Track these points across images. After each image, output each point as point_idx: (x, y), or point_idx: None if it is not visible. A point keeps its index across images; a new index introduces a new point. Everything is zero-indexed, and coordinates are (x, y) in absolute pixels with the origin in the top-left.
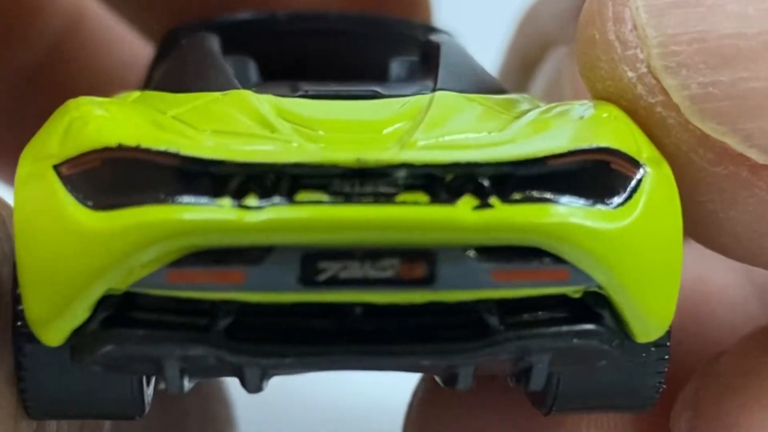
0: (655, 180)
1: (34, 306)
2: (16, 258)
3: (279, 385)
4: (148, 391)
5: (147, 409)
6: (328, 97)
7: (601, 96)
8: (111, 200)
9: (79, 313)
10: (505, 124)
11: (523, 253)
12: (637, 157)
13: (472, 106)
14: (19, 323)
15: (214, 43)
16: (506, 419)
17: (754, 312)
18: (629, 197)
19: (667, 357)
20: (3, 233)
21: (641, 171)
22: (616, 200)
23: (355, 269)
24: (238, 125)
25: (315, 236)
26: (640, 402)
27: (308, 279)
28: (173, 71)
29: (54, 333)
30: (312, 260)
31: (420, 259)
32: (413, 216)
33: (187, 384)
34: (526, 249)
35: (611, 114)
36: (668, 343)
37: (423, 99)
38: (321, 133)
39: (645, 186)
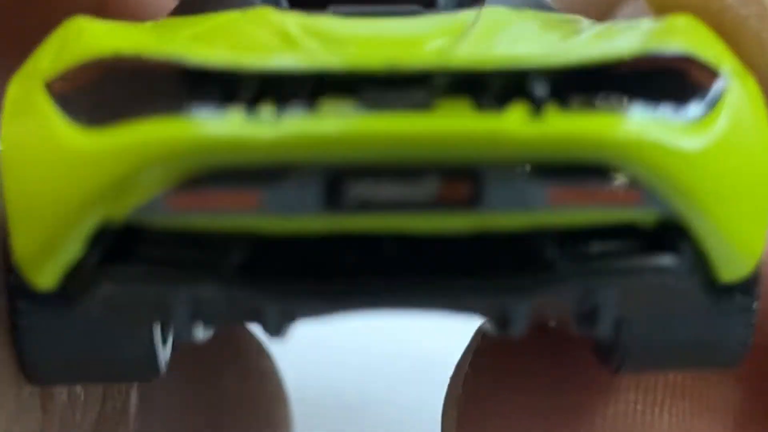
0: (740, 92)
1: (23, 241)
2: (4, 189)
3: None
4: (165, 349)
5: (163, 369)
6: (362, 15)
7: (676, 9)
8: (106, 116)
9: (73, 247)
10: (565, 35)
11: (585, 171)
12: (718, 66)
13: (527, 19)
14: (11, 276)
15: None
16: (552, 396)
17: None
18: (710, 109)
19: (755, 307)
20: None
21: (723, 81)
22: (695, 113)
23: (388, 190)
24: (257, 41)
25: (341, 152)
26: (723, 359)
27: (334, 201)
28: None
29: (46, 272)
30: (338, 179)
31: (463, 178)
32: (455, 127)
33: (201, 333)
34: (588, 168)
35: (688, 22)
36: (756, 290)
37: (469, 14)
38: (352, 49)
39: (728, 98)
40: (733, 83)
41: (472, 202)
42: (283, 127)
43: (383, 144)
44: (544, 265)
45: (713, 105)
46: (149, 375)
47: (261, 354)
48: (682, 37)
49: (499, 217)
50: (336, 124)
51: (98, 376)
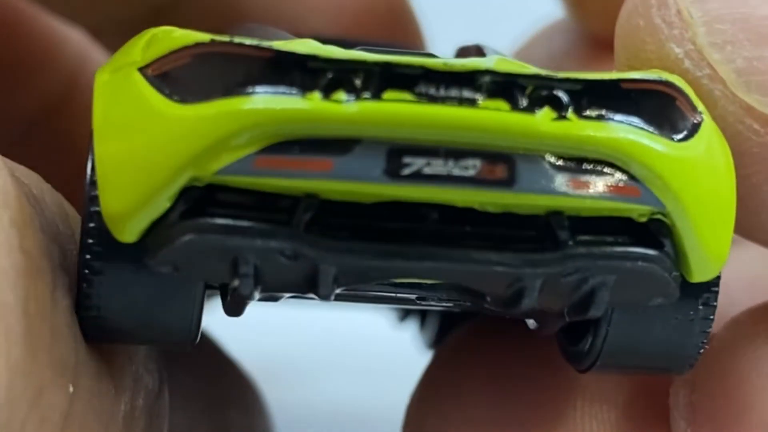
0: (712, 128)
1: (114, 200)
2: (97, 155)
3: None
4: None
5: (196, 340)
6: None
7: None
8: (201, 93)
9: (161, 203)
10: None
11: (598, 167)
12: (697, 104)
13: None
14: (90, 240)
15: None
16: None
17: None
18: (691, 136)
19: (712, 317)
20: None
21: (701, 116)
22: (680, 135)
23: (438, 166)
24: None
25: (402, 131)
26: (681, 363)
27: (393, 172)
28: None
29: (133, 225)
30: (397, 154)
31: (501, 161)
32: (496, 120)
33: (257, 294)
34: (600, 164)
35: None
36: (716, 303)
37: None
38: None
39: (704, 131)
40: (707, 120)
41: (508, 182)
42: (354, 107)
43: (437, 129)
44: (558, 246)
45: (694, 132)
46: (188, 341)
47: (256, 393)
48: (672, 77)
49: (527, 197)
50: (399, 108)
51: (146, 337)
